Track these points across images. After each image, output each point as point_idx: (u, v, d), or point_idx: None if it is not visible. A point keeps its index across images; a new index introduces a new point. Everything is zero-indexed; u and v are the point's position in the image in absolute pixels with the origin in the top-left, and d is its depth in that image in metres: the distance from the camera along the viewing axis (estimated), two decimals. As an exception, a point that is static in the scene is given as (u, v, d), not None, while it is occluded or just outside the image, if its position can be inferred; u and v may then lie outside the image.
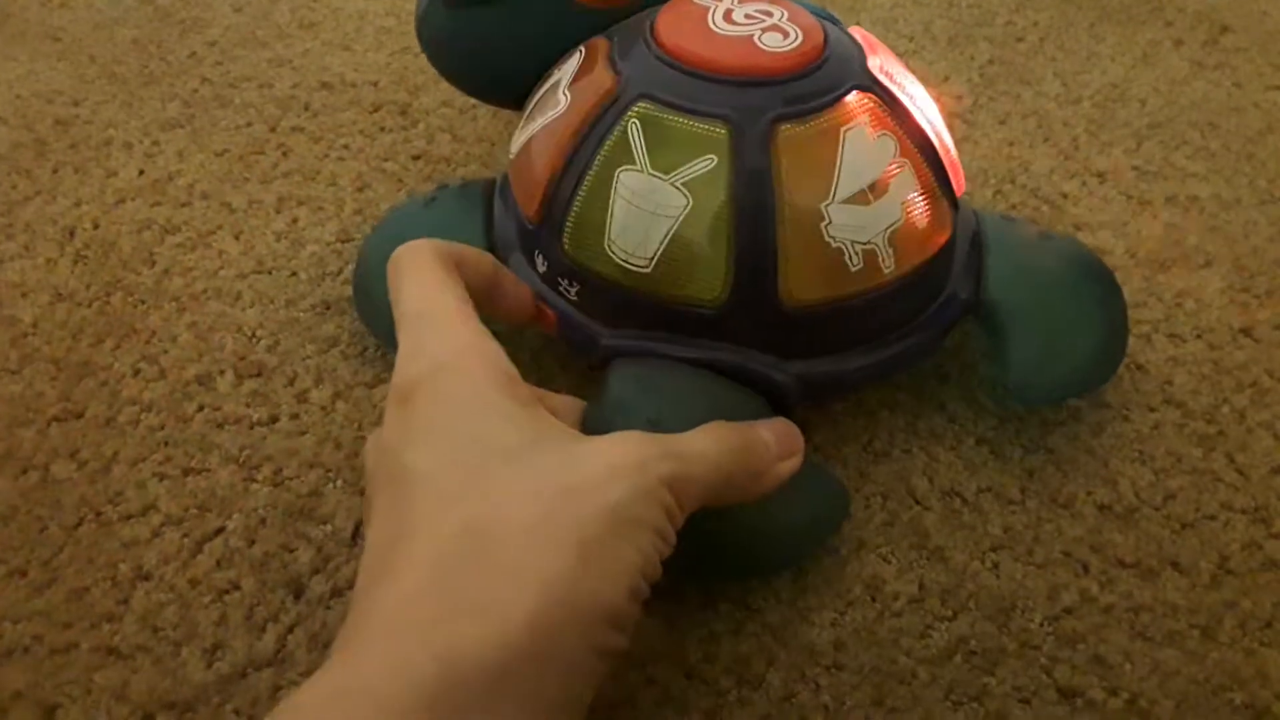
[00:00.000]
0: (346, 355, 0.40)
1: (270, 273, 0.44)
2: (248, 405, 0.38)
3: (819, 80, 0.32)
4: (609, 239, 0.32)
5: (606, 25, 0.37)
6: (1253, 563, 0.32)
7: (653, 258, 0.31)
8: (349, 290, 0.43)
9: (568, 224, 0.33)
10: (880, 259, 0.32)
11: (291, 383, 0.39)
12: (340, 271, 0.44)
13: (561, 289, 0.34)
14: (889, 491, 0.35)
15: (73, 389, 0.39)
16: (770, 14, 0.34)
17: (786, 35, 0.33)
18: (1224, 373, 0.38)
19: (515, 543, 0.22)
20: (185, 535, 0.34)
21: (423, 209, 0.40)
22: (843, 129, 0.32)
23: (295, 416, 0.38)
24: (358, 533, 0.34)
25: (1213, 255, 0.43)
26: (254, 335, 0.41)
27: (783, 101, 0.32)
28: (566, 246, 0.33)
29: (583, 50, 0.36)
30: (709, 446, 0.27)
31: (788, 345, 0.33)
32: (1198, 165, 0.47)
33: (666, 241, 0.31)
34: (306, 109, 0.54)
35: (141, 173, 0.49)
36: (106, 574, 0.33)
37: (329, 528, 0.34)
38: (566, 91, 0.34)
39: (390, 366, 0.29)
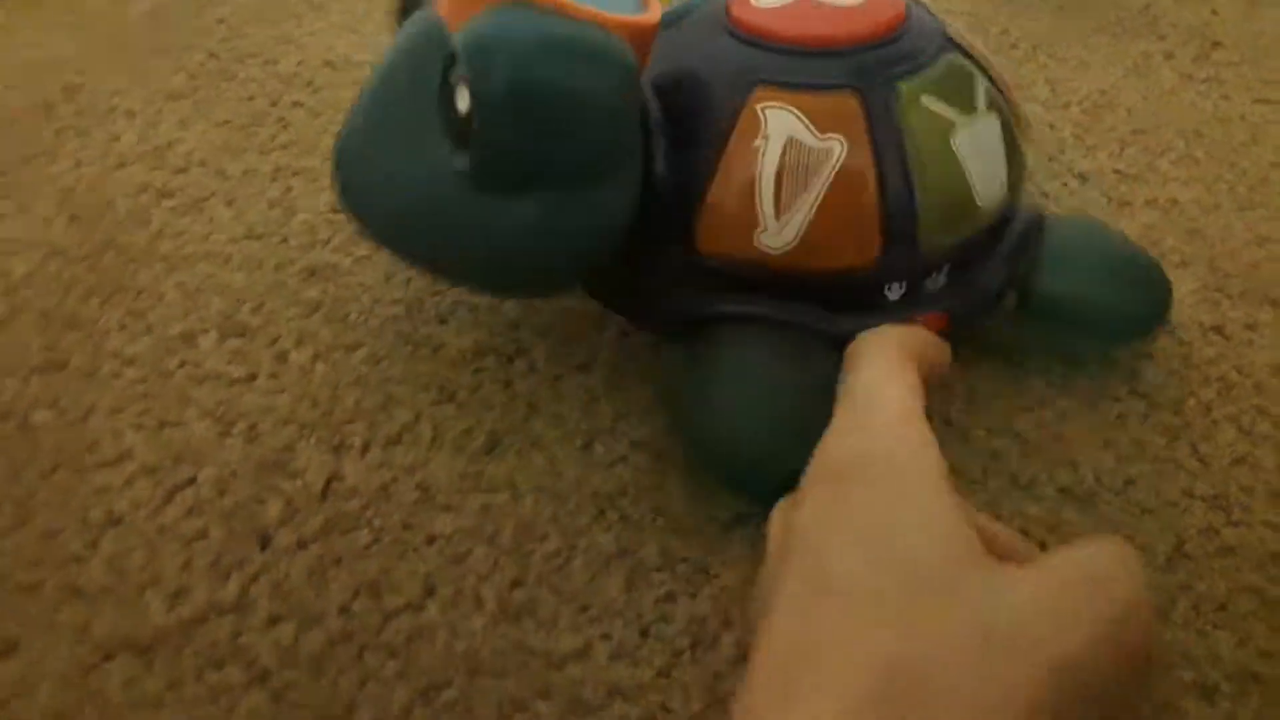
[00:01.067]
0: (329, 319, 0.40)
1: (260, 238, 0.44)
2: (228, 363, 0.39)
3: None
4: (977, 192, 0.33)
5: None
6: (1209, 548, 0.32)
7: (1004, 181, 0.35)
8: (336, 258, 0.43)
9: (923, 219, 0.33)
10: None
11: (273, 343, 0.40)
12: (330, 240, 0.44)
13: (929, 287, 0.34)
14: (854, 468, 0.35)
15: (58, 341, 0.39)
16: None
17: None
18: (1192, 367, 0.38)
19: (950, 694, 0.20)
20: (157, 484, 0.35)
21: None
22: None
23: (274, 375, 0.38)
24: (328, 488, 0.35)
25: (1189, 256, 0.43)
26: (240, 297, 0.42)
27: (940, 30, 0.35)
28: (934, 240, 0.33)
29: (793, 111, 0.32)
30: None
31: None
32: (1180, 171, 0.48)
33: (1005, 157, 0.35)
34: (309, 85, 0.55)
35: (142, 139, 0.50)
36: (77, 517, 0.34)
37: (299, 482, 0.35)
38: (822, 138, 0.32)
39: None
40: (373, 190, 0.32)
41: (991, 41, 0.57)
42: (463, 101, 0.29)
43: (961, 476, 0.34)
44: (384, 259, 0.43)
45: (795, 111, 0.32)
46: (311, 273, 0.43)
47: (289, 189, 0.47)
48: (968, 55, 0.35)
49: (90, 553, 0.33)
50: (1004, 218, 0.35)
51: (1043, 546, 0.33)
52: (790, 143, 0.32)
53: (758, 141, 0.32)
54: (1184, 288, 0.41)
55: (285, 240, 0.44)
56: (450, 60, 0.29)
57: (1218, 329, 0.40)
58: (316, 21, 0.61)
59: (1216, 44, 0.57)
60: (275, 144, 0.50)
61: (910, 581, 0.21)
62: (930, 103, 0.33)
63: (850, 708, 0.19)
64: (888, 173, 0.32)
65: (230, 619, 0.31)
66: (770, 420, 0.31)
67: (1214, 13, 0.61)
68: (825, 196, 0.32)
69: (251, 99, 0.54)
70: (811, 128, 0.32)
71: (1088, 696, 0.20)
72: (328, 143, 0.50)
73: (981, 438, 0.36)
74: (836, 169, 0.32)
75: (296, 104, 0.53)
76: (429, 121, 0.30)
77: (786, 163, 0.32)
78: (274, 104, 0.53)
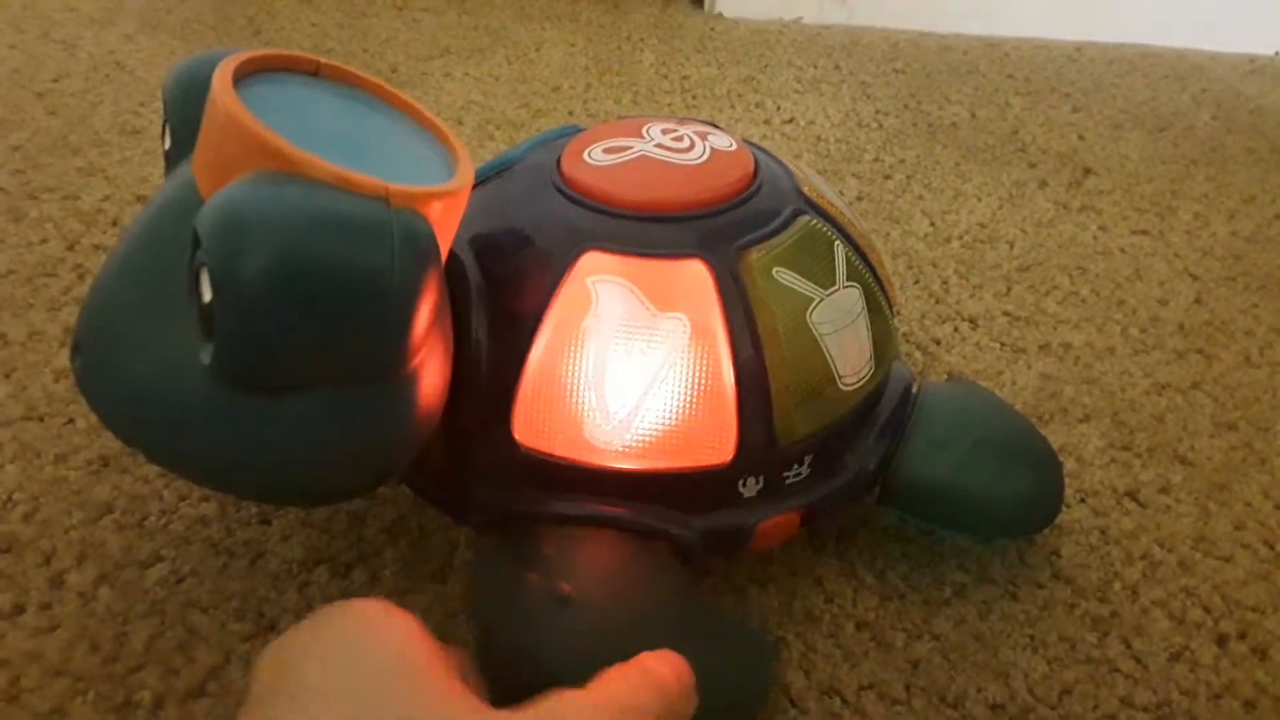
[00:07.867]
0: (120, 526, 0.33)
1: (42, 419, 0.37)
2: (-12, 590, 0.31)
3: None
4: (840, 377, 0.30)
5: None
6: (1159, 772, 0.29)
7: (869, 356, 0.31)
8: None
9: (777, 414, 0.28)
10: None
11: (47, 562, 0.32)
12: (127, 419, 0.37)
13: (789, 479, 0.30)
14: (758, 691, 0.30)
15: None
16: (682, 138, 0.32)
17: (694, 147, 0.32)
18: (1112, 542, 0.35)
19: None
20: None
21: None
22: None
23: (46, 606, 0.31)
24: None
25: (1090, 409, 0.40)
26: (10, 497, 0.34)
27: (794, 189, 0.32)
28: (793, 430, 0.29)
29: (628, 284, 0.28)
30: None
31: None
32: (1069, 311, 0.46)
33: (870, 329, 0.31)
34: (115, 225, 0.48)
35: (-100, 296, 0.42)
36: None
37: (71, 755, 0.27)
38: (671, 317, 0.28)
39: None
40: (115, 382, 0.25)
41: (865, 171, 0.55)
42: (206, 290, 0.22)
43: (883, 696, 0.30)
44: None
45: (630, 285, 0.28)
46: (103, 463, 0.35)
47: (82, 355, 0.40)
48: (825, 216, 0.31)
49: None
50: (873, 396, 0.32)
51: (981, 788, 0.28)
52: (625, 323, 0.27)
53: (587, 320, 0.28)
54: (1090, 446, 0.39)
55: (71, 421, 0.37)
56: (195, 238, 0.22)
57: (1132, 494, 0.37)
58: (128, 148, 0.54)
59: (1088, 170, 0.57)
60: (69, 298, 0.43)
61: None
62: (784, 276, 0.29)
63: None
64: (740, 356, 0.28)
65: None
66: (600, 654, 0.24)
67: (1080, 138, 0.61)
68: (669, 385, 0.27)
69: (44, 242, 0.46)
70: (648, 304, 0.28)
71: None
72: (133, 295, 0.43)
73: (900, 644, 0.31)
74: (682, 352, 0.27)
75: (98, 247, 0.46)
76: (180, 302, 0.24)
77: (620, 346, 0.27)
78: (71, 248, 0.46)
